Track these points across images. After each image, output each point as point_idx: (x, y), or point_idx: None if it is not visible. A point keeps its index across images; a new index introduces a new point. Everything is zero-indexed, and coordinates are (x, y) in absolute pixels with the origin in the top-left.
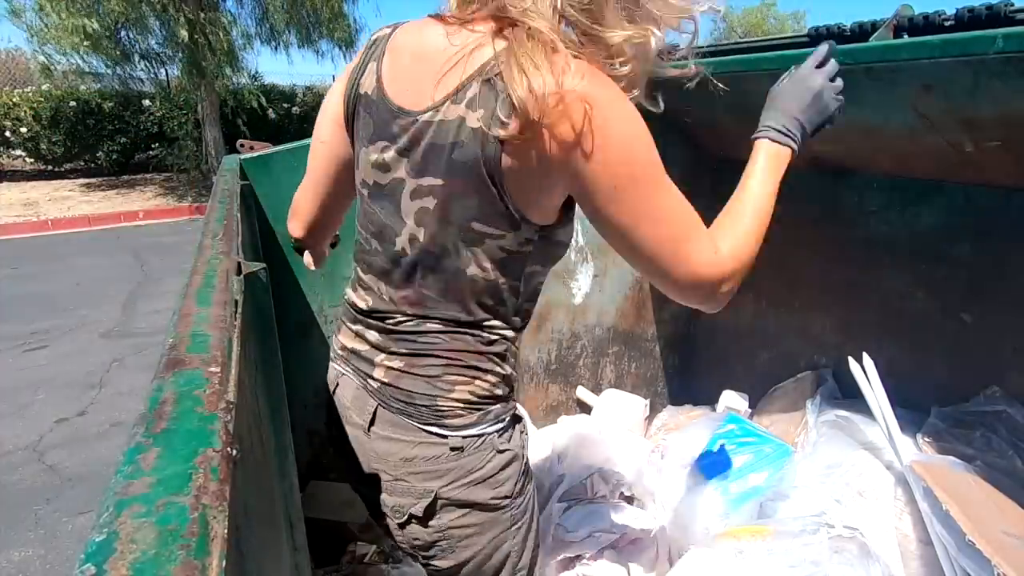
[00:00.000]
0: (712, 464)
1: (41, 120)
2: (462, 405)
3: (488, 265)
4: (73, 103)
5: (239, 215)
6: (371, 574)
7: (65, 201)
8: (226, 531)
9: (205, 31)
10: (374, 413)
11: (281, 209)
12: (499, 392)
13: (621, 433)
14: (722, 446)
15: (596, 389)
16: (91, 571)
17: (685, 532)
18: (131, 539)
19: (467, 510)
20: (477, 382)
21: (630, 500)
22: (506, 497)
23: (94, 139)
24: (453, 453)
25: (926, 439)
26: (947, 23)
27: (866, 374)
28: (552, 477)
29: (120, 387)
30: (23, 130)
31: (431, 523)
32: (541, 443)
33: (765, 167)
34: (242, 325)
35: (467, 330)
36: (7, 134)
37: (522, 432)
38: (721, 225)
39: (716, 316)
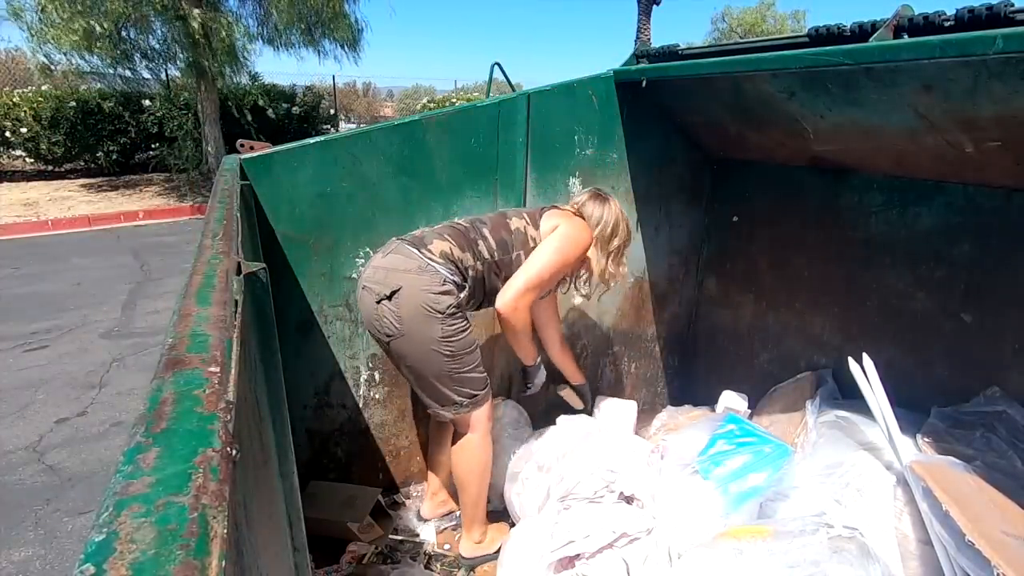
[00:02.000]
0: (712, 464)
1: (41, 120)
2: (442, 252)
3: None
4: (73, 103)
5: (239, 215)
6: (371, 574)
7: (65, 201)
8: (226, 531)
9: (206, 30)
10: (395, 246)
11: (281, 209)
12: (463, 266)
13: (620, 433)
14: (722, 446)
15: (596, 389)
16: (90, 571)
17: (685, 532)
18: (131, 539)
19: (415, 306)
20: (455, 250)
21: (630, 500)
22: (440, 312)
23: (94, 139)
24: (419, 270)
25: (926, 439)
26: (947, 23)
27: (866, 374)
28: (552, 477)
29: (120, 387)
30: (23, 130)
31: (392, 304)
32: (541, 443)
33: (531, 355)
34: (242, 325)
35: (475, 236)
36: (7, 134)
37: (464, 295)
38: (528, 319)
39: (716, 316)
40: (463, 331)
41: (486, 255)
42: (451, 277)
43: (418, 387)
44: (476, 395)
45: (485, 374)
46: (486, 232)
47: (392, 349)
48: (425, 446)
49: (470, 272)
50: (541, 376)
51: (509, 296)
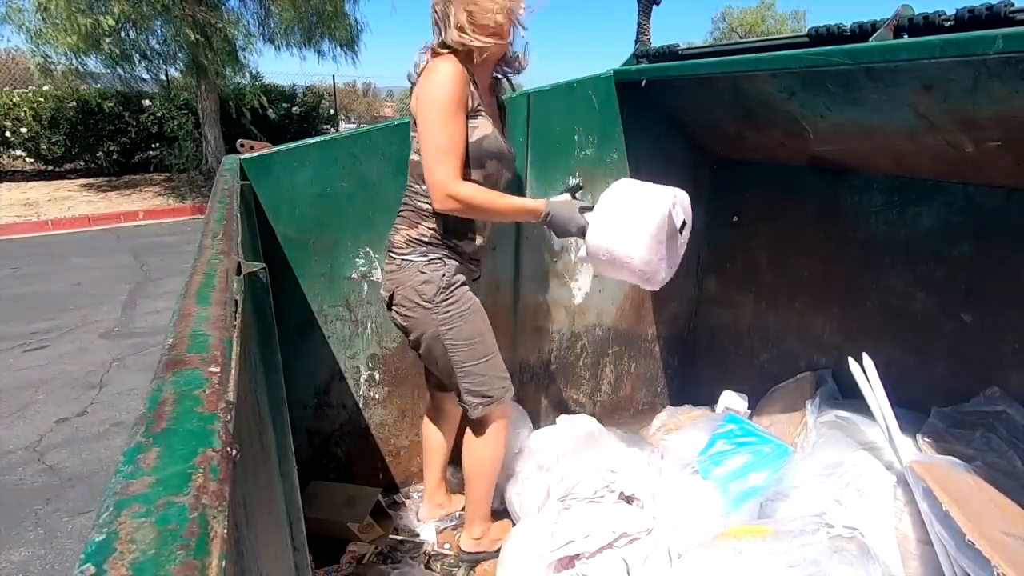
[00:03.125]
0: (712, 464)
1: (41, 120)
2: (403, 242)
3: (418, 157)
4: (73, 103)
5: (239, 215)
6: (371, 574)
7: (65, 201)
8: (226, 531)
9: (206, 31)
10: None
11: (281, 209)
12: (425, 239)
13: (620, 433)
14: (722, 446)
15: (596, 389)
16: (91, 571)
17: (685, 532)
18: (131, 539)
19: (408, 305)
20: (410, 231)
21: (630, 500)
22: (428, 302)
23: (94, 139)
24: (397, 269)
25: (926, 439)
26: (947, 23)
27: (866, 374)
28: (552, 477)
29: (120, 387)
30: (23, 130)
31: (395, 309)
32: (541, 443)
33: (525, 208)
34: (242, 325)
35: (411, 198)
36: (7, 134)
37: (444, 271)
38: (477, 187)
39: (716, 316)
40: (461, 316)
41: (425, 205)
42: (424, 260)
43: (446, 383)
44: (491, 396)
45: (502, 372)
46: (414, 186)
47: (415, 350)
48: None
49: (434, 236)
50: (561, 215)
51: (434, 191)
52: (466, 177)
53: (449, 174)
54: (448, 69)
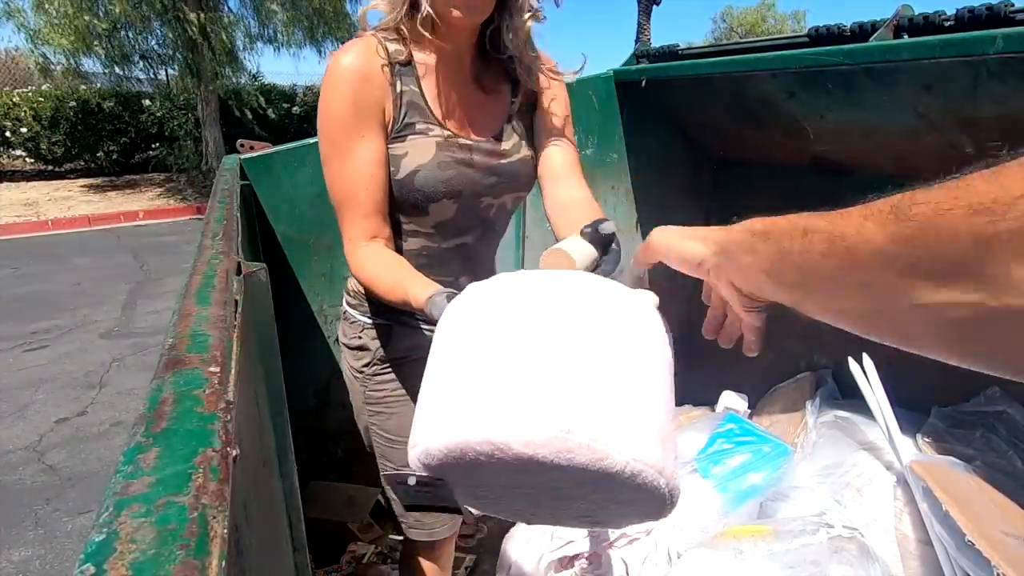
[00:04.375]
0: (711, 463)
1: (41, 120)
2: (352, 288)
3: None
4: (73, 103)
5: (239, 215)
6: (371, 574)
7: (65, 201)
8: (226, 531)
9: (205, 31)
10: None
11: (281, 209)
12: (356, 292)
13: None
14: (721, 445)
15: None
16: (90, 571)
17: (684, 532)
18: (131, 539)
19: (345, 369)
20: (349, 283)
21: None
22: (358, 371)
23: (94, 139)
24: (342, 318)
25: (926, 439)
26: (947, 23)
27: (866, 374)
28: None
29: (120, 387)
30: (23, 130)
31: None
32: None
33: (405, 300)
34: (242, 325)
35: None
36: (7, 134)
37: (386, 339)
38: (377, 253)
39: None
40: (393, 402)
41: None
42: (367, 320)
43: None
44: (407, 518)
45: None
46: None
47: None
48: None
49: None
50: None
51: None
52: (397, 229)
53: (349, 235)
54: (333, 65)
